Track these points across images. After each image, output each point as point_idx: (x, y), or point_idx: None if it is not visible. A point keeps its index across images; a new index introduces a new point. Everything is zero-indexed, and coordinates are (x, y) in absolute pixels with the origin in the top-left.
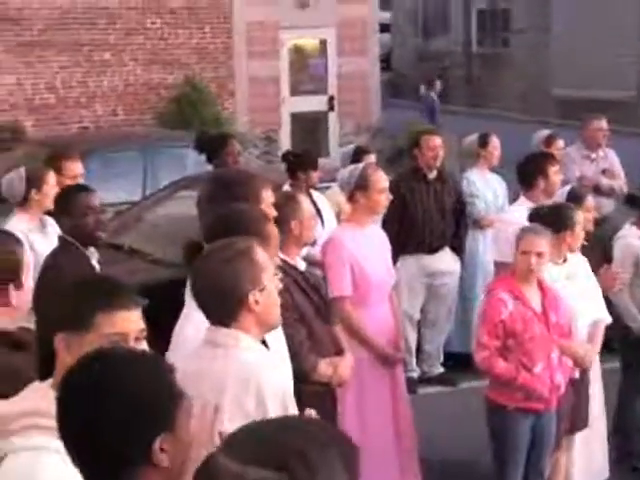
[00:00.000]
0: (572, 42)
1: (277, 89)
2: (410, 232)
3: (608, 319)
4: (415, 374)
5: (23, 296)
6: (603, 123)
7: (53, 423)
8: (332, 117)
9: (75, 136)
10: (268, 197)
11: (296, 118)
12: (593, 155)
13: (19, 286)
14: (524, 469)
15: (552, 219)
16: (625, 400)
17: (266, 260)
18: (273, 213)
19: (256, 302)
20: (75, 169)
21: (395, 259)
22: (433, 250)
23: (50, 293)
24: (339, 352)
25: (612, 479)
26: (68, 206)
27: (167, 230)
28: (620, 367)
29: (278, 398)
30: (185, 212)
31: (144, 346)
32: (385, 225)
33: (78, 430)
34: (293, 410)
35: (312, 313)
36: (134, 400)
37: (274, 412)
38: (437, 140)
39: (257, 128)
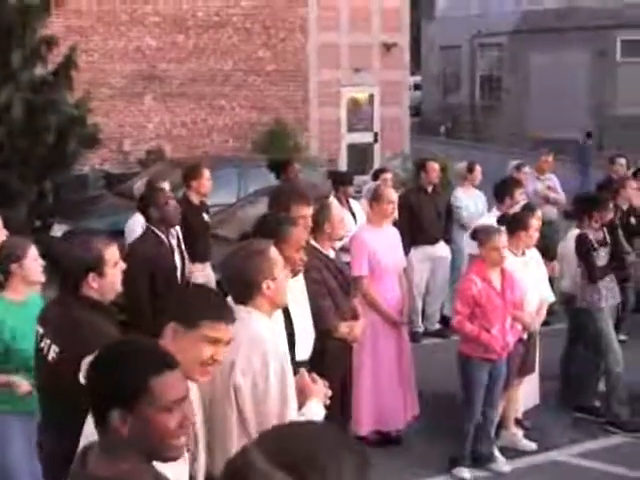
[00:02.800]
0: (543, 99)
1: (338, 127)
2: (418, 230)
3: (551, 298)
4: (420, 329)
5: (106, 282)
6: (548, 157)
7: None
8: (376, 147)
9: (197, 158)
10: (297, 209)
11: (351, 147)
12: (542, 177)
13: (101, 275)
14: (482, 402)
15: (512, 222)
16: (569, 347)
17: (278, 257)
18: (306, 221)
19: (268, 288)
20: (207, 173)
21: (408, 249)
22: (433, 242)
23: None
24: (355, 318)
25: (553, 410)
26: (153, 200)
27: (247, 225)
28: (567, 327)
29: (278, 360)
30: (260, 213)
31: (224, 353)
32: (400, 225)
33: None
34: (289, 370)
35: (337, 288)
36: (97, 385)
37: (275, 371)
38: (436, 165)
39: (324, 154)
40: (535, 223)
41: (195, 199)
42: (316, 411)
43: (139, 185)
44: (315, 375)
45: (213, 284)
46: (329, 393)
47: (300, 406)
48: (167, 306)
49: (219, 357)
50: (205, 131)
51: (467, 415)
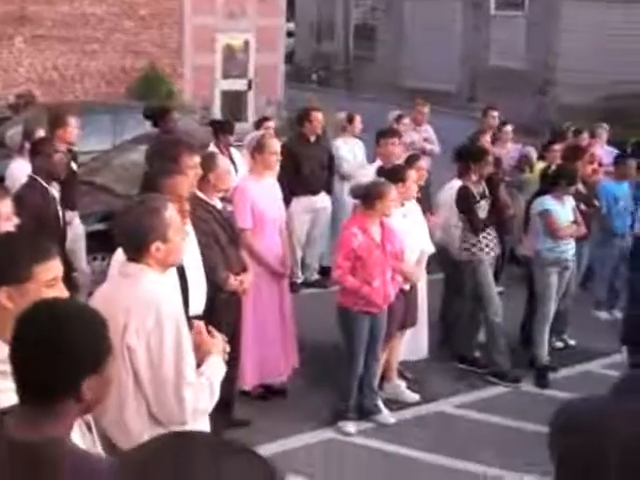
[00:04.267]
0: (416, 49)
1: (212, 74)
2: (299, 180)
3: (431, 249)
4: (299, 280)
5: None
6: (424, 108)
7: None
8: (250, 95)
9: (69, 103)
10: (186, 160)
11: (225, 94)
12: (418, 128)
13: None
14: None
15: (389, 175)
16: (447, 300)
17: (173, 217)
18: (195, 171)
19: (157, 249)
20: (73, 121)
21: (289, 200)
22: (315, 193)
23: None
24: (244, 269)
25: (434, 361)
26: (40, 149)
27: (125, 172)
28: (443, 277)
29: (173, 318)
30: (138, 160)
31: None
32: (282, 176)
33: (27, 369)
34: (184, 327)
35: (226, 240)
36: (72, 352)
37: (169, 330)
38: (320, 115)
39: (198, 101)
40: (413, 175)
41: (61, 147)
42: (216, 368)
43: (12, 133)
44: (213, 329)
45: (82, 234)
46: (228, 348)
47: (199, 362)
48: None
49: (64, 292)
50: (77, 76)
51: (350, 368)
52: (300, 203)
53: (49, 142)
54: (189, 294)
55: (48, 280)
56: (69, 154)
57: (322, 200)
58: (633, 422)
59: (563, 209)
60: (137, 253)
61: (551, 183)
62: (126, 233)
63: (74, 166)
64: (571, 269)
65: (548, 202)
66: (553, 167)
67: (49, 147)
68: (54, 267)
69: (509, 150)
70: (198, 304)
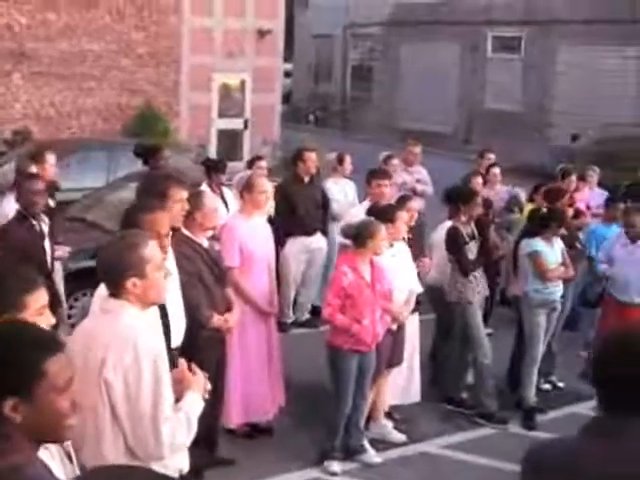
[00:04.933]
0: (413, 91)
1: (209, 113)
2: (295, 221)
3: (419, 289)
4: (289, 320)
5: None
6: (415, 149)
7: None
8: (246, 134)
9: (65, 140)
10: (175, 193)
11: (221, 133)
12: (410, 169)
13: None
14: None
15: (379, 215)
16: (438, 340)
17: (153, 253)
18: (182, 205)
19: (134, 285)
20: (51, 159)
21: (284, 240)
22: (310, 233)
23: None
24: (229, 309)
25: (422, 402)
26: (19, 184)
27: (115, 209)
28: (435, 318)
29: (151, 354)
30: (129, 197)
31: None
32: (277, 216)
33: None
34: (162, 362)
35: (211, 279)
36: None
37: (147, 365)
38: (313, 155)
39: (194, 139)
40: (403, 216)
41: (40, 184)
42: (193, 404)
43: (5, 169)
44: (195, 366)
45: (60, 271)
46: (208, 386)
47: (178, 398)
48: None
49: (51, 320)
50: (74, 112)
51: (338, 407)
52: (295, 244)
53: (30, 178)
54: (170, 329)
55: (37, 309)
56: (48, 191)
57: (317, 240)
58: (605, 463)
59: (552, 251)
60: (115, 289)
61: (541, 225)
62: (105, 268)
63: (51, 202)
64: (558, 310)
65: (537, 243)
66: (544, 209)
67: (27, 184)
68: (41, 296)
69: (497, 192)
70: (176, 338)
